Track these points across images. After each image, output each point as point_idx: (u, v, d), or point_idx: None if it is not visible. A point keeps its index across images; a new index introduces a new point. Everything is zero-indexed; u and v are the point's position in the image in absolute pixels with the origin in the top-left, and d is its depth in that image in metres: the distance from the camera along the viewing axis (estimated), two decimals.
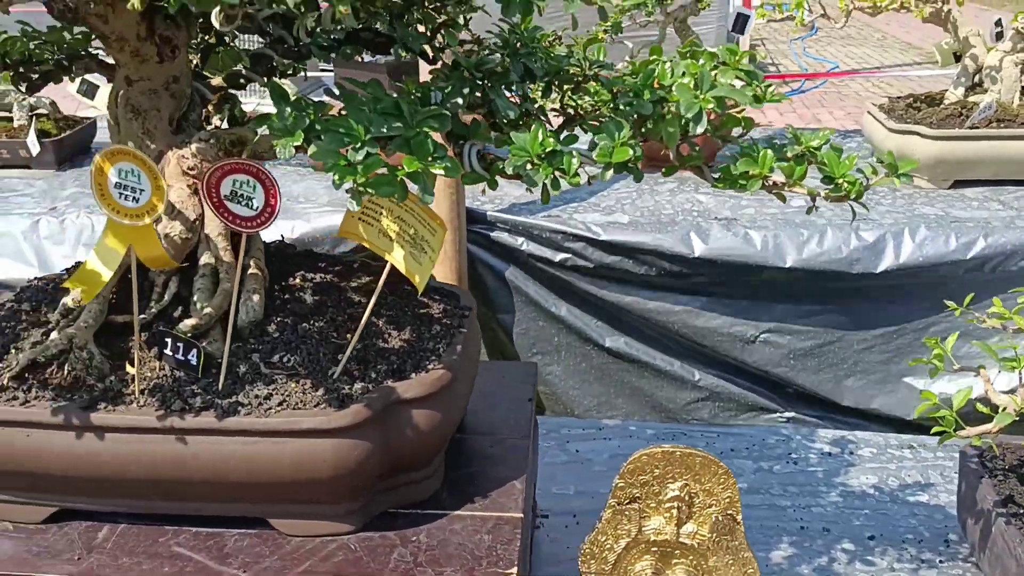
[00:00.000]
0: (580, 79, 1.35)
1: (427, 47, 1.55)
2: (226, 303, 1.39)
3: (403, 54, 1.50)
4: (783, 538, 1.83)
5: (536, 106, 1.45)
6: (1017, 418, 1.41)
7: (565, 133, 1.26)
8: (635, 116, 1.23)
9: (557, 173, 1.17)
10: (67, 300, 1.42)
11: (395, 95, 1.25)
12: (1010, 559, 1.57)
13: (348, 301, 1.50)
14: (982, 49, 3.15)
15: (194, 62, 1.62)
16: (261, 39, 1.63)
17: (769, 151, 1.18)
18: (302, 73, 1.66)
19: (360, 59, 1.72)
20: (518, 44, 1.34)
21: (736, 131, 1.32)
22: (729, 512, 1.27)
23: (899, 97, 3.37)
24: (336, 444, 1.26)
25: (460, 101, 1.25)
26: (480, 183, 1.25)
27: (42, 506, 1.36)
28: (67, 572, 1.26)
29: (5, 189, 3.25)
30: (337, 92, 1.24)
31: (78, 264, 1.62)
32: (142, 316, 1.36)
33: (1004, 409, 1.39)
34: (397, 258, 1.27)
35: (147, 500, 1.33)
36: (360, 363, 1.37)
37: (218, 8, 1.13)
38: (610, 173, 1.17)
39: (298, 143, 1.12)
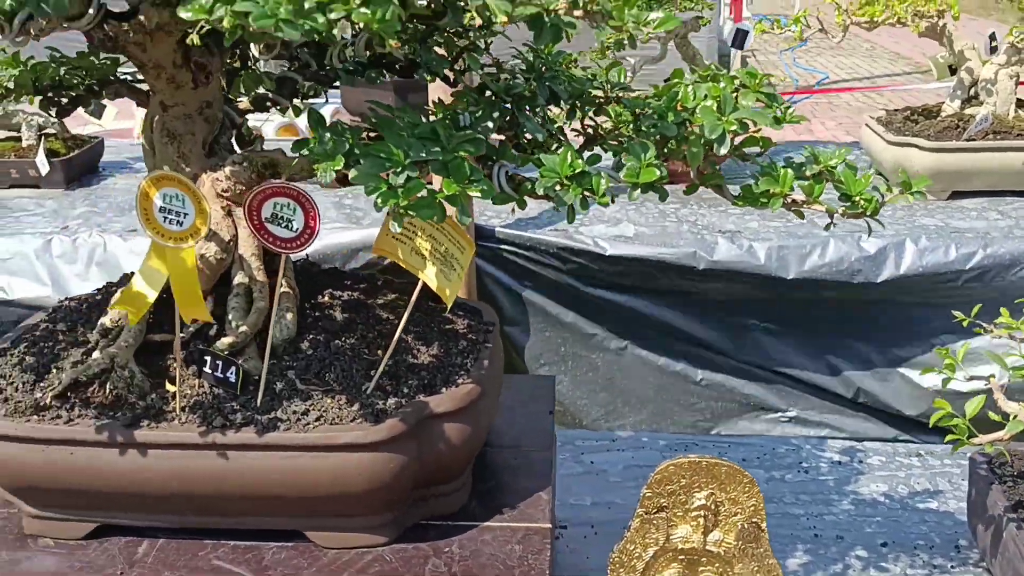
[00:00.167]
0: (602, 101, 1.40)
1: (447, 70, 1.59)
2: (260, 321, 1.43)
3: (428, 78, 1.54)
4: (798, 546, 1.87)
5: (555, 126, 1.50)
6: None
7: (588, 153, 1.31)
8: (658, 137, 1.27)
9: (586, 193, 1.21)
10: (105, 320, 1.45)
11: (407, 115, 1.30)
12: (1021, 563, 1.62)
13: (376, 318, 1.54)
14: (977, 62, 3.22)
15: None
16: (284, 63, 1.68)
17: (789, 170, 1.22)
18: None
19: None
20: (543, 68, 1.38)
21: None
22: (754, 520, 1.31)
23: (896, 110, 3.43)
24: (373, 458, 1.30)
25: (490, 124, 1.29)
26: (509, 203, 1.29)
27: (83, 522, 1.39)
28: None
29: (16, 209, 3.27)
30: (346, 109, 1.29)
31: (108, 285, 1.66)
32: (181, 336, 1.40)
33: (1015, 417, 1.43)
34: (429, 275, 1.32)
35: (187, 515, 1.37)
36: (392, 378, 1.40)
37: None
38: (637, 193, 1.21)
39: (339, 167, 1.16)
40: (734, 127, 1.19)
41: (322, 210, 1.29)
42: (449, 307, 1.37)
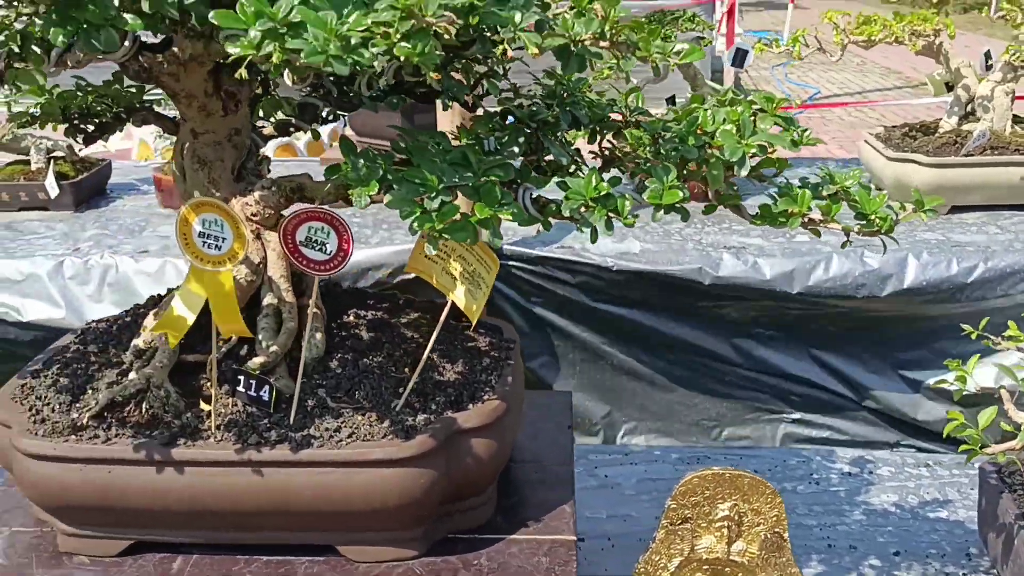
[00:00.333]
0: (621, 125, 1.44)
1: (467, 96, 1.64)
2: (290, 341, 1.47)
3: (449, 104, 1.58)
4: (812, 556, 1.91)
5: (572, 148, 1.54)
6: None
7: (608, 175, 1.35)
8: (678, 159, 1.31)
9: (610, 214, 1.25)
10: (138, 342, 1.49)
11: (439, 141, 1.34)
12: None
13: (401, 336, 1.57)
14: (973, 79, 3.28)
15: None
16: (304, 89, 1.72)
17: (807, 191, 1.27)
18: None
19: None
20: (564, 95, 1.43)
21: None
22: (776, 530, 1.34)
23: (895, 126, 3.49)
24: (404, 473, 1.33)
25: (516, 149, 1.33)
26: (534, 224, 1.33)
27: (118, 539, 1.42)
28: None
29: (26, 231, 3.30)
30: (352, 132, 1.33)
31: (136, 307, 1.70)
32: (211, 356, 1.43)
33: None
34: (459, 295, 1.36)
35: (221, 530, 1.40)
36: (419, 395, 1.44)
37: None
38: (660, 213, 1.25)
39: (373, 192, 1.20)
40: (753, 150, 1.23)
41: None
42: (474, 324, 1.41)
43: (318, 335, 1.47)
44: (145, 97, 1.72)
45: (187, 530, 1.40)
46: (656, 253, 2.92)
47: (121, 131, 1.78)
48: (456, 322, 1.65)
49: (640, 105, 1.44)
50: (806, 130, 1.28)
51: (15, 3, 1.09)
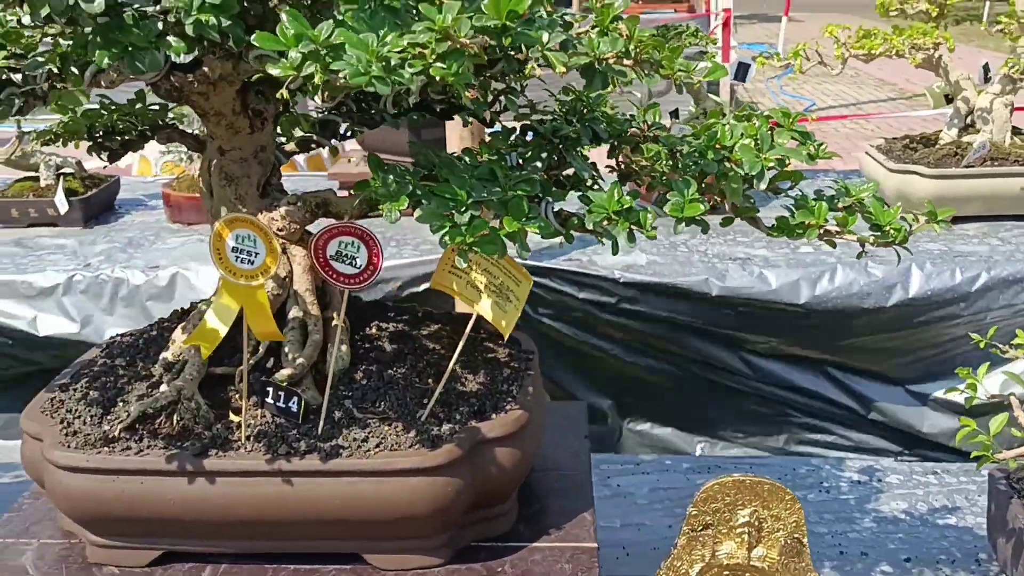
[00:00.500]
0: (640, 140, 1.47)
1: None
2: (316, 353, 1.50)
3: (469, 120, 1.62)
4: (824, 563, 1.94)
5: (589, 162, 1.58)
6: None
7: (627, 190, 1.39)
8: (697, 173, 1.35)
9: (633, 227, 1.29)
10: (167, 355, 1.52)
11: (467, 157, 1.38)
12: None
13: (424, 348, 1.60)
14: (972, 92, 3.33)
15: None
16: (328, 107, 1.76)
17: (824, 203, 1.30)
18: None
19: None
20: (584, 110, 1.46)
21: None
22: (796, 535, 1.37)
23: (895, 138, 3.53)
24: (431, 482, 1.36)
25: (539, 164, 1.37)
26: (557, 237, 1.36)
27: (148, 550, 1.44)
28: None
29: (37, 247, 3.33)
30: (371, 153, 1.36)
31: (161, 320, 1.72)
32: (240, 368, 1.46)
33: None
34: (484, 308, 1.39)
35: (250, 540, 1.42)
36: (444, 406, 1.47)
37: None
38: (681, 226, 1.29)
39: (403, 207, 1.23)
40: (772, 163, 1.27)
41: None
42: (507, 337, 1.44)
43: (343, 347, 1.50)
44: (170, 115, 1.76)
45: (217, 540, 1.43)
46: (662, 265, 2.95)
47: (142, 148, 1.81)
48: (473, 333, 1.68)
49: (657, 120, 1.48)
50: (822, 144, 1.31)
51: (60, 26, 1.12)
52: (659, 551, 2.02)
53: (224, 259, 1.27)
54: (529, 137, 1.46)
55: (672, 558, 1.41)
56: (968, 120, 3.35)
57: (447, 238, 1.16)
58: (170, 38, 1.08)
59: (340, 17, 1.19)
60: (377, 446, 1.38)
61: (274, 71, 1.03)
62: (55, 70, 1.18)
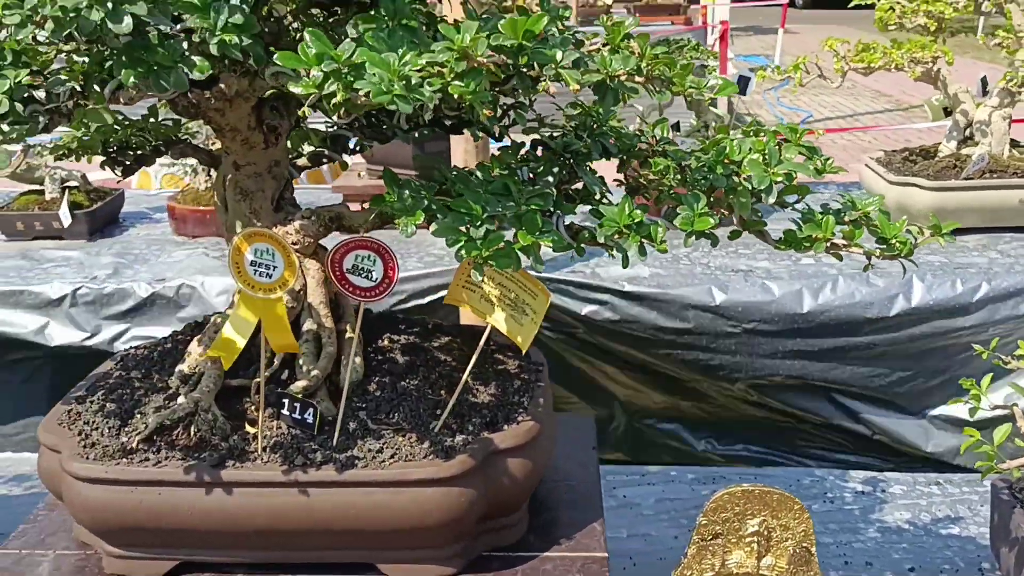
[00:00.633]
0: (648, 154, 1.50)
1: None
2: (330, 365, 1.52)
3: (479, 135, 1.64)
4: (830, 573, 1.95)
5: (597, 176, 1.61)
6: None
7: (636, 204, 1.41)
8: (706, 187, 1.37)
9: (644, 240, 1.31)
10: (183, 367, 1.54)
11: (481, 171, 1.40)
12: None
13: (435, 360, 1.62)
14: (971, 105, 3.36)
15: None
16: (338, 122, 1.78)
17: (831, 217, 1.33)
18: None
19: None
20: (594, 126, 1.49)
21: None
22: (804, 544, 1.39)
23: (895, 151, 3.57)
24: (445, 492, 1.38)
25: (551, 179, 1.39)
26: (568, 251, 1.39)
27: (164, 560, 1.46)
28: None
29: (42, 260, 3.35)
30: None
31: (175, 334, 1.74)
32: (257, 380, 1.48)
33: None
34: (498, 320, 1.41)
35: (266, 550, 1.44)
36: (456, 417, 1.49)
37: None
38: (692, 239, 1.31)
39: (419, 221, 1.25)
40: (780, 178, 1.29)
41: None
42: (524, 350, 1.46)
43: (357, 359, 1.52)
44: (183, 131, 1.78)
45: (233, 550, 1.44)
46: (665, 277, 2.98)
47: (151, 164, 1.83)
48: (484, 345, 1.70)
49: (665, 135, 1.50)
50: (829, 158, 1.34)
51: (79, 44, 1.14)
52: (666, 561, 2.04)
53: (243, 272, 1.30)
54: (537, 151, 1.49)
55: (682, 567, 1.42)
56: (967, 133, 3.38)
57: (463, 252, 1.18)
58: (194, 57, 1.10)
59: (356, 34, 1.22)
60: (392, 457, 1.40)
61: (296, 89, 1.05)
62: (77, 88, 1.21)
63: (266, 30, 1.35)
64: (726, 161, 1.35)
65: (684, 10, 12.80)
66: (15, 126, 1.05)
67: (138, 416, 1.47)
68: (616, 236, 1.31)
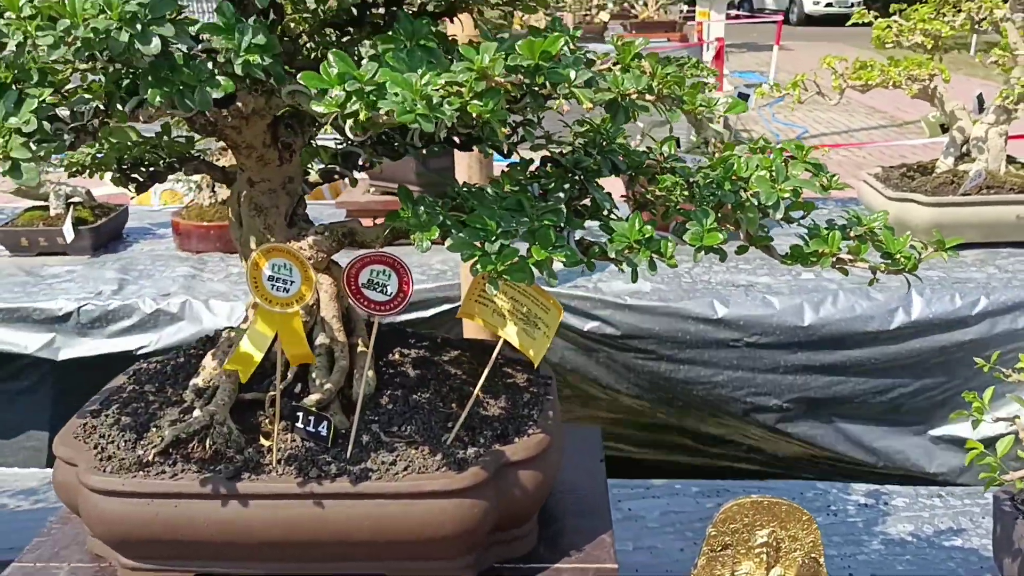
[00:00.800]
0: (656, 171, 1.53)
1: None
2: (343, 379, 1.54)
3: (490, 151, 1.67)
4: None
5: (604, 192, 1.63)
6: None
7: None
8: (715, 203, 1.40)
9: (654, 255, 1.34)
10: (197, 381, 1.56)
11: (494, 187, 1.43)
12: None
13: (446, 373, 1.65)
14: (968, 122, 3.41)
15: None
16: (345, 139, 1.81)
17: (837, 232, 1.36)
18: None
19: None
20: (603, 143, 1.52)
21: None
22: (812, 555, 1.41)
23: (892, 167, 3.61)
24: (458, 504, 1.40)
25: (562, 195, 1.42)
26: (579, 265, 1.41)
27: (179, 572, 1.47)
28: None
29: (47, 276, 3.37)
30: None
31: (187, 347, 1.76)
32: (271, 394, 1.50)
33: None
34: (509, 334, 1.43)
35: (280, 561, 1.45)
36: (468, 430, 1.51)
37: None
38: (701, 254, 1.34)
39: (434, 237, 1.28)
40: (787, 194, 1.32)
41: None
42: (536, 364, 1.48)
43: (370, 372, 1.54)
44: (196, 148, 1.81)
45: (247, 561, 1.46)
46: (667, 292, 3.01)
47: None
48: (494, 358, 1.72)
49: (673, 152, 1.53)
50: (834, 175, 1.37)
51: (101, 65, 1.17)
52: (672, 573, 2.06)
53: (260, 287, 1.32)
54: (547, 167, 1.51)
55: None
56: (964, 149, 3.42)
57: (478, 266, 1.21)
58: (220, 77, 1.13)
59: (369, 54, 1.25)
60: (405, 469, 1.41)
61: (319, 108, 1.08)
62: (101, 106, 1.23)
63: (281, 49, 1.38)
64: (734, 177, 1.38)
65: (680, 27, 12.92)
66: (42, 144, 1.07)
67: (154, 429, 1.49)
68: (627, 251, 1.34)
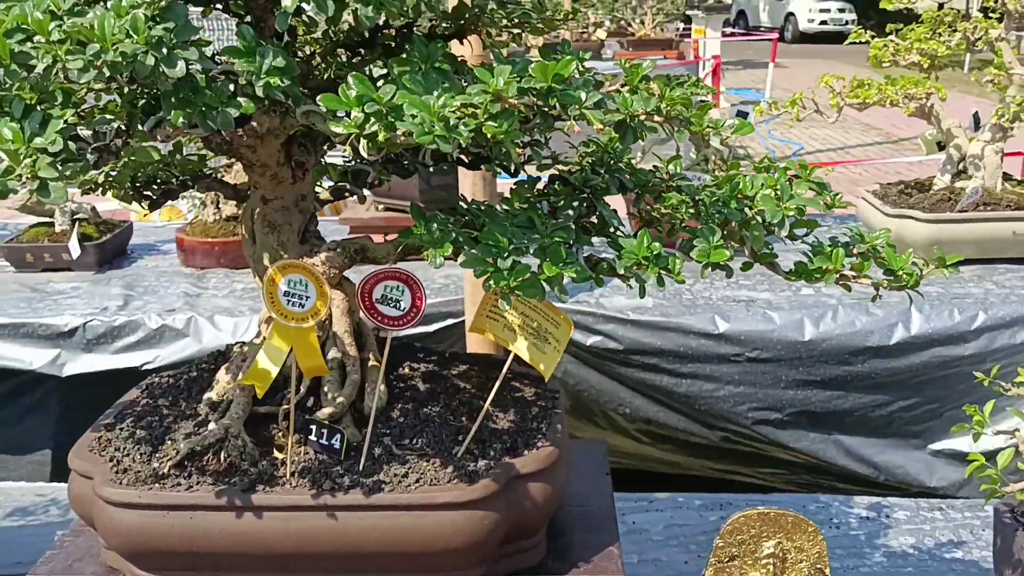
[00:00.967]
0: (662, 189, 1.56)
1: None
2: (354, 393, 1.56)
3: (499, 171, 1.70)
4: None
5: (611, 210, 1.67)
6: None
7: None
8: (721, 221, 1.43)
9: (662, 272, 1.37)
10: (211, 394, 1.58)
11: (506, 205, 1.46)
12: None
13: (455, 387, 1.67)
14: (964, 139, 3.45)
15: None
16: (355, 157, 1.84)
17: (840, 249, 1.39)
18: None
19: None
20: (611, 162, 1.55)
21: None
22: (818, 566, 1.44)
23: (890, 183, 3.65)
24: (469, 515, 1.42)
25: (571, 212, 1.45)
26: (588, 281, 1.44)
27: None
28: None
29: (52, 292, 3.39)
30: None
31: (199, 362, 1.79)
32: (284, 407, 1.52)
33: None
34: (520, 348, 1.46)
35: (293, 573, 1.47)
36: (478, 442, 1.53)
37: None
38: (708, 271, 1.37)
39: (447, 253, 1.31)
40: (792, 212, 1.35)
41: None
42: (547, 378, 1.51)
43: (381, 386, 1.57)
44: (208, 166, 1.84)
45: (261, 573, 1.47)
46: (669, 307, 3.04)
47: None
48: (499, 372, 1.74)
49: (678, 171, 1.57)
50: (838, 194, 1.40)
51: (128, 87, 1.20)
52: None
53: (276, 302, 1.35)
54: (555, 185, 1.55)
55: None
56: (960, 166, 3.46)
57: (491, 282, 1.24)
58: (240, 99, 1.16)
59: (381, 75, 1.28)
60: (417, 481, 1.44)
61: (337, 129, 1.11)
62: (123, 126, 1.26)
63: (299, 71, 1.41)
64: (740, 196, 1.41)
65: (676, 45, 13.02)
66: (68, 164, 1.10)
67: (169, 442, 1.51)
68: (635, 267, 1.37)
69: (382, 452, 1.49)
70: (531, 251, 1.31)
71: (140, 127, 1.27)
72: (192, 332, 3.08)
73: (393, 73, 1.20)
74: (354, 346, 1.60)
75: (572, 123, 1.22)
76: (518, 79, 1.12)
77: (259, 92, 1.15)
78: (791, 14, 22.69)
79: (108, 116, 1.27)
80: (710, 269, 1.36)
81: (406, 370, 1.70)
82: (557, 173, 1.56)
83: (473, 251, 1.27)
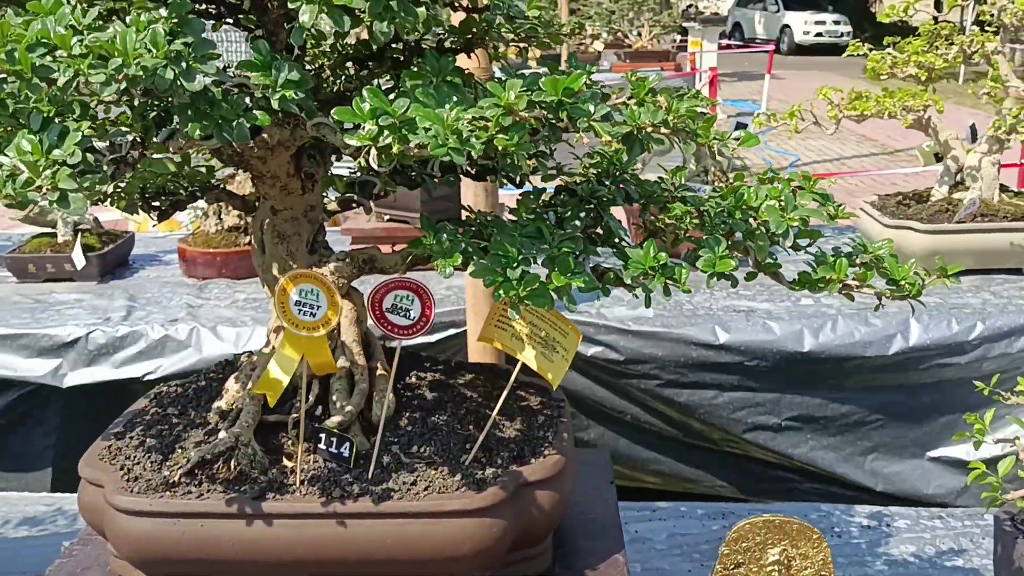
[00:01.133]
0: (667, 200, 1.58)
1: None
2: (362, 401, 1.58)
3: (504, 182, 1.73)
4: None
5: (617, 220, 1.69)
6: None
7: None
8: (726, 231, 1.45)
9: (668, 281, 1.39)
10: (220, 403, 1.59)
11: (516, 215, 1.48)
12: None
13: (462, 396, 1.69)
14: (961, 151, 3.48)
15: None
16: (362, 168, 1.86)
17: (844, 260, 1.41)
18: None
19: None
20: (617, 173, 1.57)
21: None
22: (823, 573, 1.45)
23: (888, 195, 3.68)
24: (478, 523, 1.43)
25: (578, 223, 1.47)
26: (595, 291, 1.46)
27: None
28: None
29: (55, 303, 3.40)
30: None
31: (207, 371, 1.80)
32: (293, 416, 1.54)
33: None
34: (528, 357, 1.48)
35: None
36: (485, 451, 1.55)
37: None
38: (714, 280, 1.39)
39: (457, 263, 1.33)
40: (796, 223, 1.38)
41: None
42: (555, 387, 1.53)
43: (389, 395, 1.58)
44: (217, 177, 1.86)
45: None
46: (669, 318, 3.06)
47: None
48: (505, 383, 1.76)
49: (683, 183, 1.59)
50: (841, 205, 1.42)
51: (154, 101, 1.22)
52: None
53: (287, 312, 1.36)
54: (561, 196, 1.57)
55: None
56: (958, 178, 3.49)
57: (500, 291, 1.26)
58: (256, 112, 1.18)
59: (390, 86, 1.30)
60: (425, 489, 1.45)
61: (351, 141, 1.13)
62: (138, 138, 1.28)
63: (312, 84, 1.43)
64: (744, 207, 1.43)
65: (673, 56, 13.09)
66: (86, 175, 1.12)
67: (179, 450, 1.52)
68: (642, 277, 1.39)
69: (391, 460, 1.50)
70: (539, 261, 1.33)
71: (154, 139, 1.29)
72: (194, 342, 3.09)
73: (405, 86, 1.22)
74: (362, 355, 1.62)
75: (581, 135, 1.24)
76: (529, 93, 1.14)
77: (275, 105, 1.17)
78: (787, 26, 22.81)
79: (123, 128, 1.29)
80: (716, 279, 1.37)
81: (413, 379, 1.71)
82: (563, 184, 1.57)
83: (483, 261, 1.29)
